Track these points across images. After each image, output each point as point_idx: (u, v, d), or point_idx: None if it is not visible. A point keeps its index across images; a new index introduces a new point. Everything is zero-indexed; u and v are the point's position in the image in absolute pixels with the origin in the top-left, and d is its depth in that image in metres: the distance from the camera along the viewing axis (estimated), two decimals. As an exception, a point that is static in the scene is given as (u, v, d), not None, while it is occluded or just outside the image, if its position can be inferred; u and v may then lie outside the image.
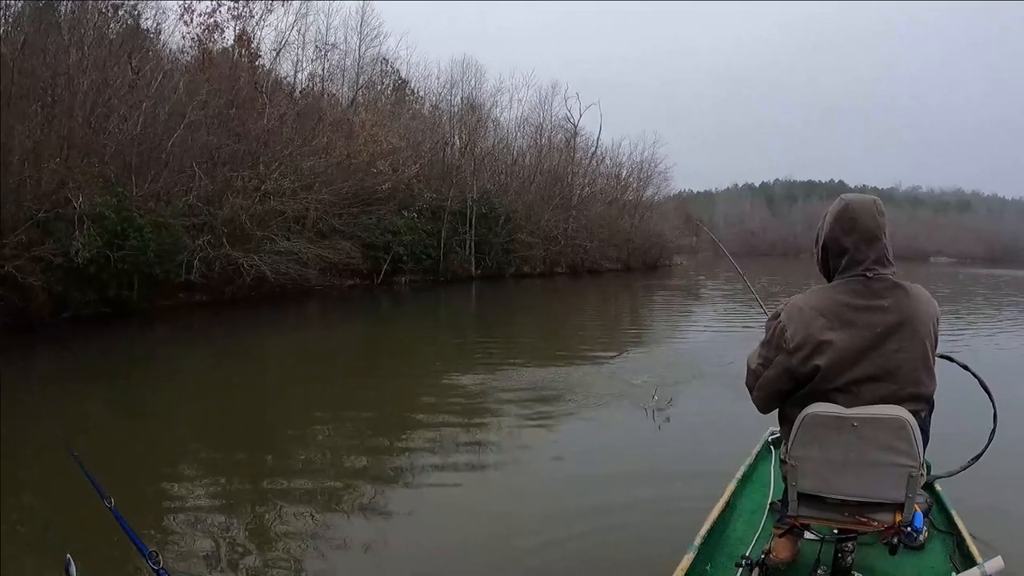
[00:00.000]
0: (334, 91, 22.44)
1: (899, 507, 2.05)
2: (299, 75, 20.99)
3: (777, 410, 2.20)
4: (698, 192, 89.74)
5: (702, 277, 31.57)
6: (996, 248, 75.47)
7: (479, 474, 4.48)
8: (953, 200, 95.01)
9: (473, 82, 27.57)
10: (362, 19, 23.36)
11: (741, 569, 2.36)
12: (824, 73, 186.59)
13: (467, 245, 22.53)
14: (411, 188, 20.18)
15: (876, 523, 2.09)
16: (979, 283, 29.51)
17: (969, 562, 2.46)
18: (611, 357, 8.37)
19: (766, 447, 3.46)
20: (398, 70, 26.33)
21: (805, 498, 2.11)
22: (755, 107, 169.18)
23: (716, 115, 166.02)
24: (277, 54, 19.23)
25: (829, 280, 2.10)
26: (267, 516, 3.57)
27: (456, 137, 25.78)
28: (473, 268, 22.56)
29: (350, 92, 23.10)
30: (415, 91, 27.28)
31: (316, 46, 21.23)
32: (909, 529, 2.25)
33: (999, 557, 2.22)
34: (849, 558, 2.30)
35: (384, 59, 25.30)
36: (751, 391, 2.18)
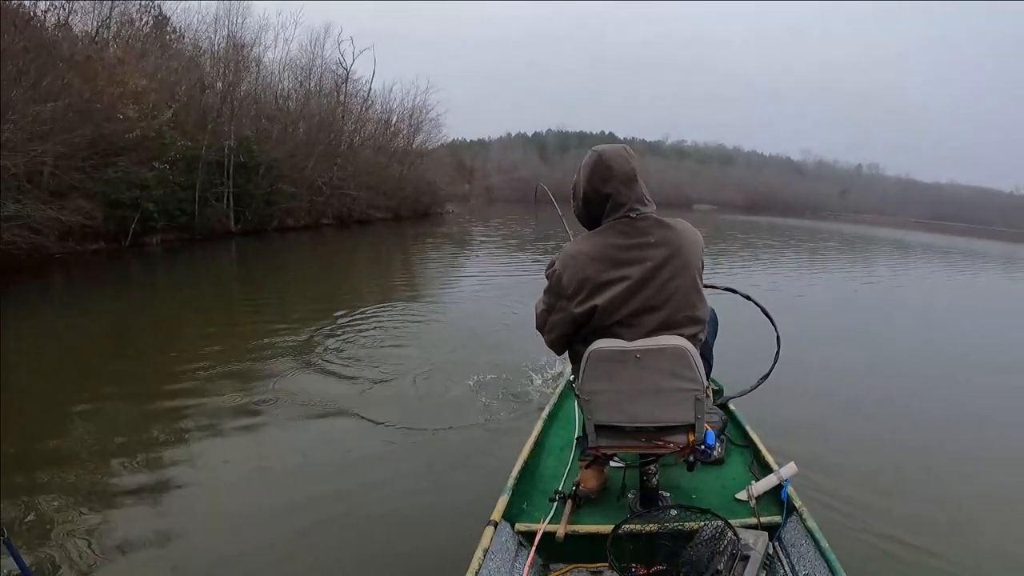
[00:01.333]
0: (76, 25, 20.22)
1: (691, 428, 2.25)
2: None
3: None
4: (472, 141, 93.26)
5: (476, 225, 33.64)
6: (755, 197, 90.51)
7: (269, 446, 4.63)
8: (716, 154, 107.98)
9: (239, 19, 26.34)
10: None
11: (556, 503, 2.54)
12: (610, 29, 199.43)
13: (225, 198, 21.96)
14: (162, 136, 19.09)
15: (672, 445, 2.28)
16: (736, 228, 35.24)
17: (766, 470, 2.74)
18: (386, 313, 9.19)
19: (568, 386, 3.55)
20: (159, 4, 24.46)
21: (603, 429, 2.27)
22: (538, 58, 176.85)
23: (498, 64, 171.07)
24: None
25: (592, 228, 2.30)
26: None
27: (217, 80, 24.72)
28: (232, 223, 22.11)
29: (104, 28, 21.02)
30: (177, 29, 25.47)
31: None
32: (703, 447, 2.40)
33: (792, 463, 2.61)
34: (654, 479, 2.53)
35: None
36: (542, 335, 2.38)
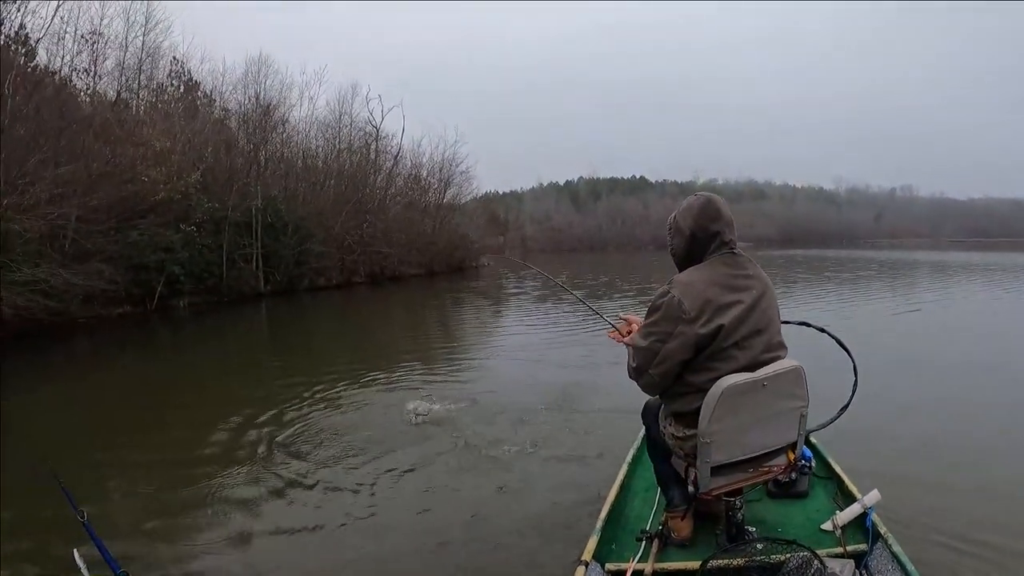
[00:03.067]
0: (102, 89, 20.88)
1: (792, 446, 2.47)
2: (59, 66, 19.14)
3: (666, 399, 2.56)
4: (504, 192, 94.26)
5: (508, 277, 33.25)
6: (789, 230, 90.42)
7: (342, 513, 4.28)
8: (747, 189, 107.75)
9: (265, 80, 26.91)
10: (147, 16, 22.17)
11: (643, 543, 2.71)
12: (620, 71, 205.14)
13: (254, 259, 21.98)
14: (189, 197, 19.23)
15: (776, 468, 2.50)
16: (773, 263, 34.66)
17: (850, 500, 2.89)
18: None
19: None
20: (189, 70, 25.28)
21: (717, 469, 2.40)
22: (566, 106, 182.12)
23: (525, 113, 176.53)
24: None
25: (689, 265, 2.52)
26: None
27: (243, 139, 25.11)
28: (262, 284, 22.07)
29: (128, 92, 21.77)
30: (207, 93, 26.20)
31: (82, 35, 19.60)
32: (803, 462, 2.72)
33: (875, 490, 2.77)
34: (740, 514, 2.64)
35: (175, 58, 24.31)
36: (642, 374, 2.47)
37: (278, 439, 5.71)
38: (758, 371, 2.32)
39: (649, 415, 2.85)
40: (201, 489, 4.64)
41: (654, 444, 2.86)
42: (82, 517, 1.97)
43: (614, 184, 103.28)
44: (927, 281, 24.42)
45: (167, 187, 18.23)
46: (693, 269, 2.46)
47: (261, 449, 5.45)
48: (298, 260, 23.70)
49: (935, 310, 14.98)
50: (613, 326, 3.04)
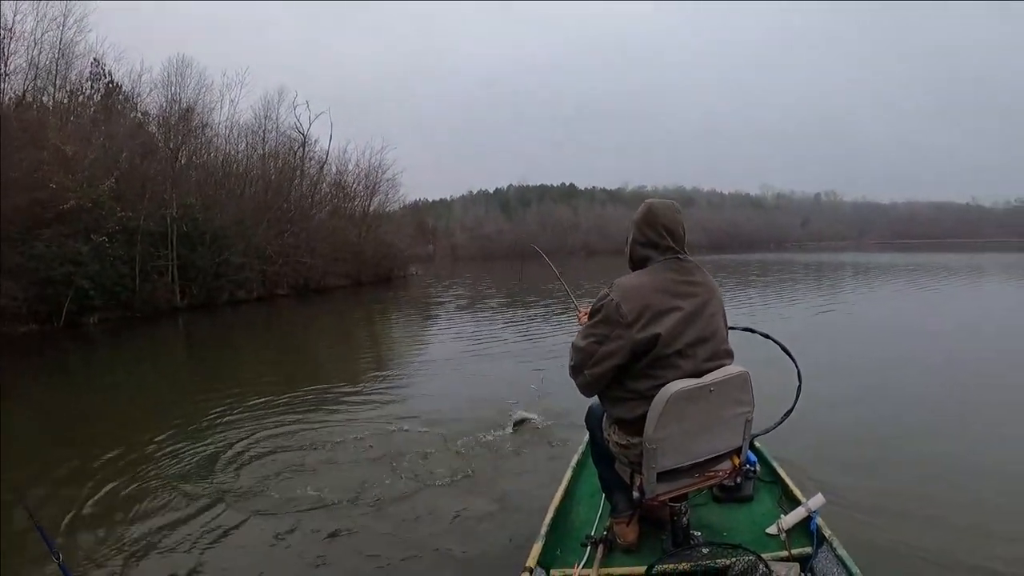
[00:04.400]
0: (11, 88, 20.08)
1: (737, 451, 2.51)
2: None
3: (609, 405, 2.56)
4: (434, 201, 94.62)
5: (442, 285, 33.32)
6: (718, 236, 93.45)
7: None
8: (676, 196, 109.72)
9: (184, 82, 26.40)
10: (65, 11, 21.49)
11: (588, 548, 2.74)
12: (566, 87, 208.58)
13: (169, 271, 21.30)
14: (101, 206, 18.44)
15: (721, 472, 2.52)
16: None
17: (795, 503, 2.93)
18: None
19: None
20: (109, 71, 24.68)
21: (663, 475, 2.40)
22: (495, 114, 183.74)
23: (456, 123, 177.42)
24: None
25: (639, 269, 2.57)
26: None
27: (161, 143, 24.40)
28: (178, 298, 21.43)
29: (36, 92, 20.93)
30: (129, 97, 25.57)
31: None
32: (747, 466, 2.72)
33: (820, 494, 2.81)
34: (685, 518, 2.67)
35: (95, 59, 23.74)
36: (579, 373, 2.49)
37: (210, 467, 5.58)
38: (705, 377, 2.34)
39: (593, 420, 2.87)
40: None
41: (598, 450, 2.86)
42: (58, 558, 1.99)
43: (544, 191, 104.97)
44: (851, 282, 26.06)
45: (77, 195, 17.51)
46: (636, 273, 2.51)
47: (192, 482, 5.25)
48: (217, 272, 23.08)
49: (859, 309, 16.12)
50: (580, 310, 3.13)
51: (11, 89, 20.32)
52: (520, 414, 6.38)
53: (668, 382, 2.32)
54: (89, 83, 24.00)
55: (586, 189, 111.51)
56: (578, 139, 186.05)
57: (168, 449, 6.12)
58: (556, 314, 15.70)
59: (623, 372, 2.42)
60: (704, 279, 2.49)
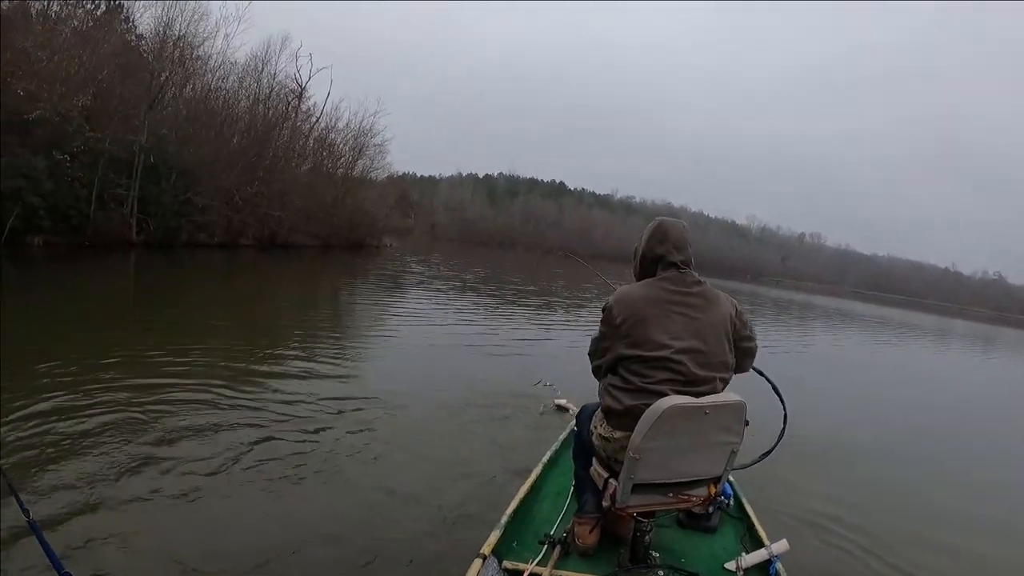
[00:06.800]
0: None
1: (716, 480, 2.56)
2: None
3: (601, 394, 2.69)
4: (422, 176, 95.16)
5: (414, 260, 33.08)
6: (698, 258, 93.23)
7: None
8: (663, 211, 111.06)
9: (187, 12, 25.48)
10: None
11: (545, 547, 2.79)
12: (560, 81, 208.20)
13: (129, 202, 20.53)
14: (69, 123, 17.64)
15: (695, 498, 2.57)
16: None
17: (758, 544, 2.98)
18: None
19: (571, 435, 3.78)
20: None
21: (638, 487, 2.46)
22: (495, 100, 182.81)
23: (454, 103, 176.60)
24: None
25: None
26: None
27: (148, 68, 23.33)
28: (134, 232, 20.69)
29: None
30: (130, 18, 24.99)
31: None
32: (722, 497, 2.80)
33: (784, 540, 2.85)
34: (647, 537, 2.72)
35: None
36: (591, 360, 2.78)
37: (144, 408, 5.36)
38: (703, 398, 2.41)
39: (583, 414, 2.98)
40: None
41: (580, 446, 2.95)
42: (28, 516, 1.95)
43: (532, 185, 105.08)
44: (825, 325, 27.58)
45: (45, 106, 16.70)
46: (638, 283, 2.70)
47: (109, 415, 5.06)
48: (178, 211, 22.38)
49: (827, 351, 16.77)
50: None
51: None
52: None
53: (658, 381, 2.46)
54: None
55: (575, 189, 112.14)
56: (575, 139, 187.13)
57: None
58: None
59: (618, 366, 2.59)
60: (703, 291, 2.63)
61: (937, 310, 63.29)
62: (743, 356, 2.73)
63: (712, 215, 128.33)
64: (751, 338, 2.75)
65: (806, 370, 13.28)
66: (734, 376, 2.76)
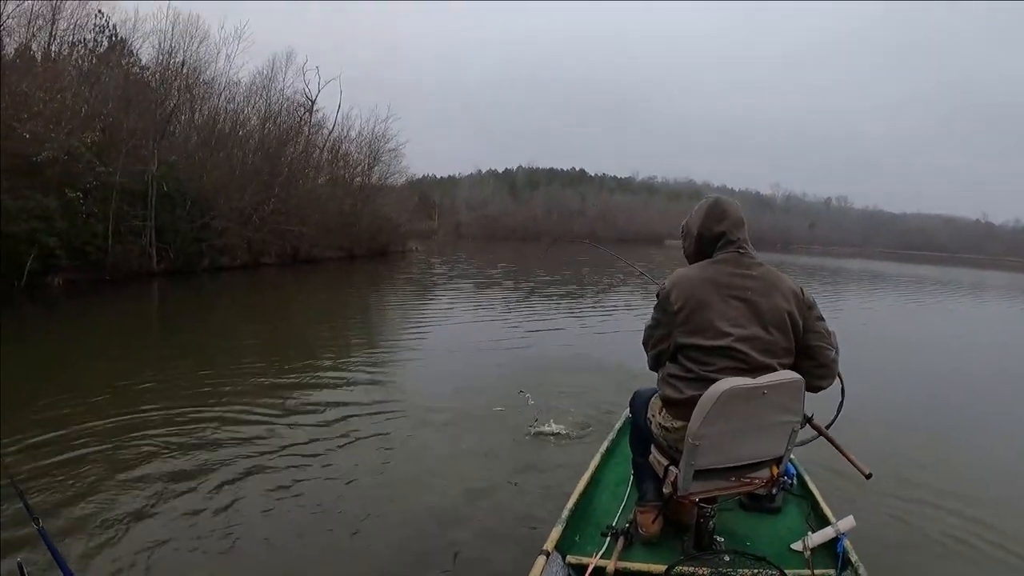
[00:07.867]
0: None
1: (777, 460, 2.51)
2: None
3: (659, 384, 2.65)
4: (442, 177, 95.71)
5: (437, 262, 33.24)
6: None
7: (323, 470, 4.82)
8: (685, 189, 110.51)
9: (169, 26, 25.49)
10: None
11: (608, 539, 2.77)
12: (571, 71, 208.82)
13: (146, 233, 20.50)
14: (78, 159, 17.58)
15: (757, 480, 2.52)
16: None
17: (823, 522, 2.93)
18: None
19: (627, 423, 3.92)
20: (115, 25, 24.22)
21: (700, 473, 2.43)
22: (510, 95, 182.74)
23: (469, 101, 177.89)
24: None
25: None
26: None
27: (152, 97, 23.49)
28: (154, 262, 20.66)
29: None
30: (133, 52, 25.16)
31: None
32: (785, 478, 2.81)
33: (850, 516, 2.79)
34: (711, 522, 2.69)
35: (100, 11, 23.39)
36: (645, 350, 2.70)
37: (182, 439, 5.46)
38: (760, 378, 2.33)
39: (638, 401, 2.90)
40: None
41: (637, 433, 2.91)
42: (38, 523, 1.93)
43: (553, 175, 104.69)
44: (858, 289, 27.21)
45: (52, 146, 16.65)
46: (695, 265, 2.60)
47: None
48: (197, 236, 22.37)
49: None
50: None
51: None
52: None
53: (719, 369, 2.37)
54: (93, 35, 23.67)
55: (596, 175, 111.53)
56: (591, 125, 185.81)
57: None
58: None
59: (677, 354, 2.50)
60: (763, 273, 2.52)
61: (972, 263, 61.80)
62: (817, 340, 2.54)
63: (736, 188, 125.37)
64: (821, 318, 2.58)
65: (861, 338, 12.66)
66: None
